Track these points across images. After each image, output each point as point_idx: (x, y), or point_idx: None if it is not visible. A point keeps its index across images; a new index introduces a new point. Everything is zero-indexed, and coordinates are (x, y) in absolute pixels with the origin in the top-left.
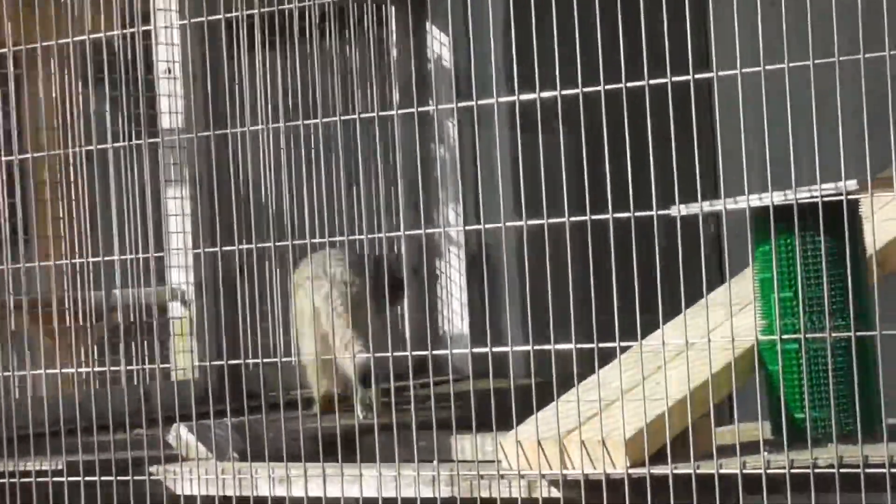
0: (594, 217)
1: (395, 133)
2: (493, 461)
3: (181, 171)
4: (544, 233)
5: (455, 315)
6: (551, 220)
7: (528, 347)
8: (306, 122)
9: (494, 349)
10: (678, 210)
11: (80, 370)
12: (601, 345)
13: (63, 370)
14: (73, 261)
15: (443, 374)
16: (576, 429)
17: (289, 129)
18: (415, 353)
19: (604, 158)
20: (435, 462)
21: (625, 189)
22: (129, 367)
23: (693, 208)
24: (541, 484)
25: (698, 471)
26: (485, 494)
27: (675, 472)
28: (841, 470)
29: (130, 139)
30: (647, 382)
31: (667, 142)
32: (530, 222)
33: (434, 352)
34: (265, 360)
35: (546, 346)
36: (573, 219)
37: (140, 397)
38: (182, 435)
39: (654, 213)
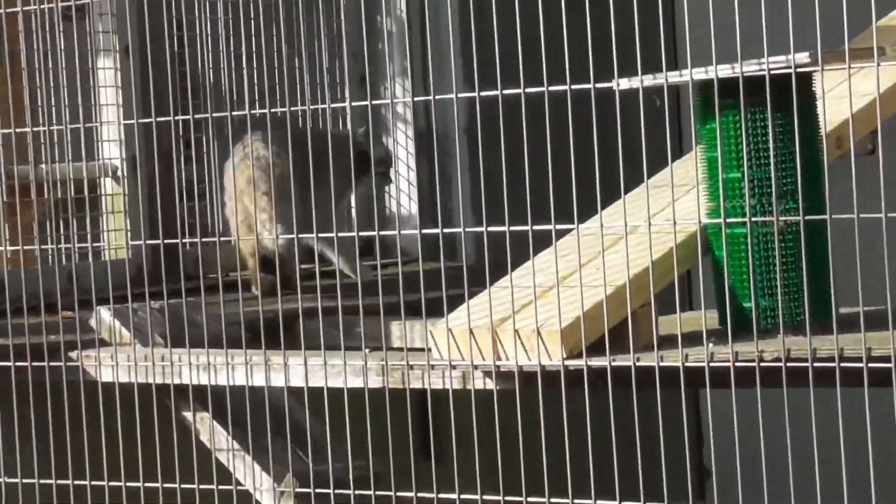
0: (552, 88)
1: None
2: (422, 349)
3: (111, 39)
4: (498, 106)
5: (403, 195)
6: (506, 92)
7: (460, 230)
8: None
9: (445, 230)
10: (616, 84)
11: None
12: (535, 227)
13: None
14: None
15: (391, 256)
16: (509, 317)
17: None
18: (362, 234)
19: (562, 27)
20: (364, 350)
21: (583, 62)
22: (60, 246)
23: (634, 82)
24: (472, 375)
25: (638, 363)
26: (416, 385)
27: (614, 364)
28: (788, 364)
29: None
30: (585, 269)
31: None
32: (483, 94)
33: (382, 232)
34: (203, 241)
35: (479, 229)
36: (529, 90)
37: (71, 276)
38: (104, 318)
39: (591, 86)
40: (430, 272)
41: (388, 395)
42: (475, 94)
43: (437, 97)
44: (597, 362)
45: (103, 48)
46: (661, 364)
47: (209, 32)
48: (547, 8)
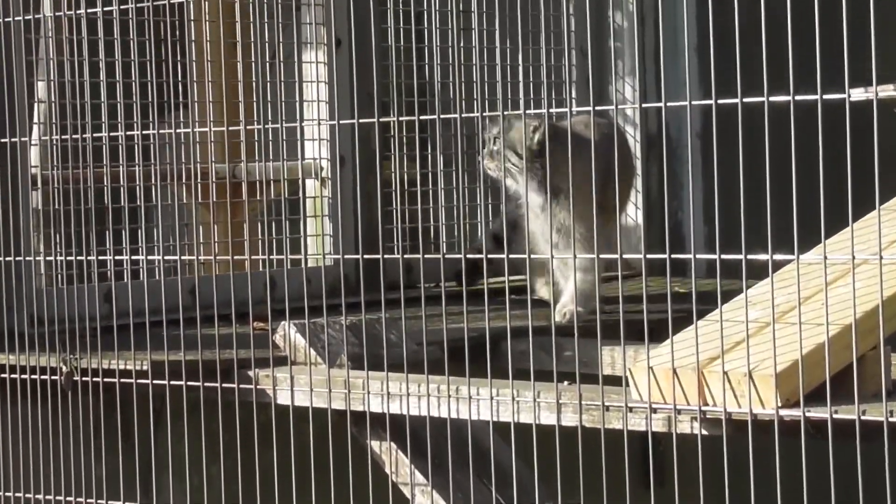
0: (798, 98)
1: None
2: (620, 386)
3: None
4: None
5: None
6: (747, 100)
7: (689, 257)
8: None
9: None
10: (847, 94)
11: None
12: (750, 256)
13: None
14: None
15: (613, 269)
16: (718, 357)
17: None
18: (579, 256)
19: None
20: (556, 385)
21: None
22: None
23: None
24: (675, 420)
25: (864, 416)
26: (616, 426)
27: (836, 416)
28: None
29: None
30: (806, 305)
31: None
32: (721, 101)
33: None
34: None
35: (711, 256)
36: (773, 99)
37: (266, 285)
38: (290, 334)
39: (818, 97)
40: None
41: (604, 434)
42: (711, 102)
43: (668, 104)
44: (816, 413)
45: (310, 41)
46: (891, 419)
47: (437, 26)
48: (797, 8)
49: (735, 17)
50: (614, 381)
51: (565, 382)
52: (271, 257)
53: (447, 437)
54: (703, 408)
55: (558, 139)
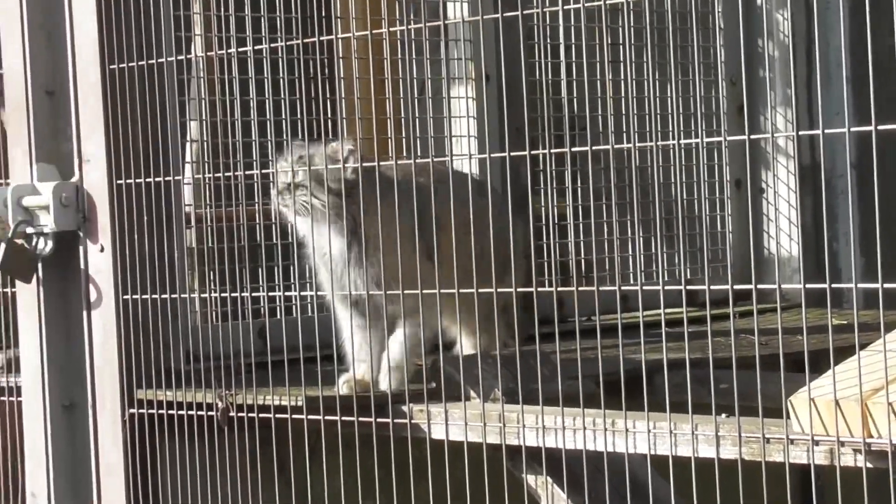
0: None
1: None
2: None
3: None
4: None
5: (783, 235)
6: None
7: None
8: None
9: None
10: None
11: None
12: None
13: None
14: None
15: (768, 301)
16: (882, 388)
17: None
18: (736, 286)
19: None
20: (715, 418)
21: None
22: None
23: None
24: (839, 452)
25: None
26: (777, 458)
27: None
28: None
29: None
30: None
31: None
32: (881, 127)
33: (760, 286)
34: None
35: (874, 285)
36: None
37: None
38: (444, 369)
39: None
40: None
41: (764, 467)
42: (871, 129)
43: (826, 131)
44: None
45: (459, 76)
46: None
47: (573, 59)
48: None
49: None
50: (774, 413)
51: (723, 415)
52: (424, 292)
53: (603, 471)
54: (868, 440)
55: (369, 175)
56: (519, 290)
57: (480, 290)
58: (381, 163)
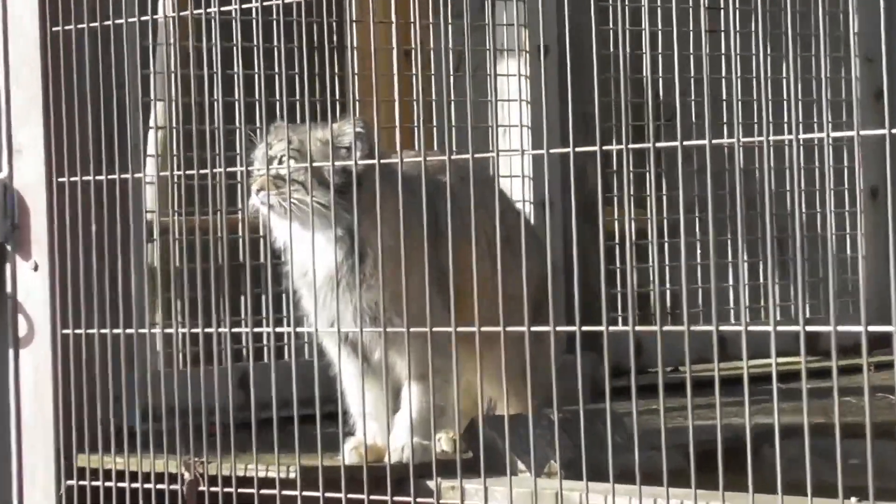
0: None
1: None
2: None
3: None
4: None
5: None
6: None
7: None
8: None
9: None
10: None
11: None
12: None
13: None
14: None
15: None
16: None
17: None
18: (872, 329)
19: None
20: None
21: None
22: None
23: None
24: None
25: None
26: None
27: None
28: None
29: None
30: None
31: None
32: None
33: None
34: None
35: None
36: None
37: None
38: (482, 433)
39: None
40: None
41: None
42: None
43: None
44: None
45: (508, 48)
46: None
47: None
48: None
49: None
50: None
51: (853, 499)
52: (459, 329)
53: None
54: None
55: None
56: (583, 328)
57: (533, 329)
58: (405, 158)
